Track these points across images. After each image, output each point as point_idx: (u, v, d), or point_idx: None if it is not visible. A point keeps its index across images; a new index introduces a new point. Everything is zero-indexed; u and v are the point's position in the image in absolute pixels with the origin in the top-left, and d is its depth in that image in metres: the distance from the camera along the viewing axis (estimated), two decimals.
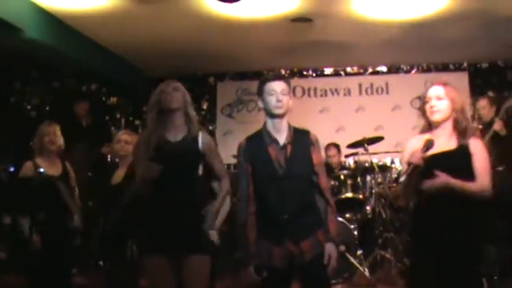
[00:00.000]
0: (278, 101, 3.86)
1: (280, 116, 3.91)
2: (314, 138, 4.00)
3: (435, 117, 3.88)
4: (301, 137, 3.97)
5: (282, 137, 3.91)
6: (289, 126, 3.98)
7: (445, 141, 3.87)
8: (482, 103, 7.29)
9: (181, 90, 4.08)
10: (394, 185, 7.99)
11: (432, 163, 3.77)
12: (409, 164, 3.78)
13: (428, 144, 3.75)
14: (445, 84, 3.96)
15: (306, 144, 3.96)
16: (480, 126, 7.04)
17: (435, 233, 3.78)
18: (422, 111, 3.99)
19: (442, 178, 3.71)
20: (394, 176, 9.01)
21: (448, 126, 3.89)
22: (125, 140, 5.45)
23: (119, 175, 5.25)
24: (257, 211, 3.89)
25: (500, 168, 6.65)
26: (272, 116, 3.92)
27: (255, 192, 3.91)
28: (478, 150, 3.85)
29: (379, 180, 7.62)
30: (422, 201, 3.88)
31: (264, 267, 3.78)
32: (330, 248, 3.84)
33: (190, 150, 4.00)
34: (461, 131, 3.85)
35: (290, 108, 3.95)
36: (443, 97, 3.88)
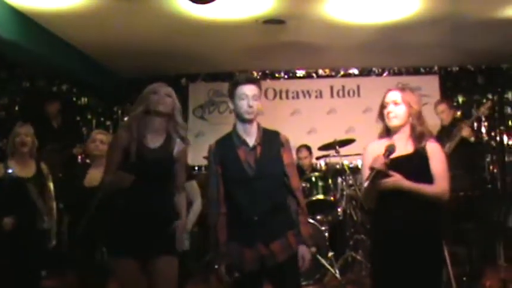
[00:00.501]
0: (249, 106, 3.85)
1: (251, 121, 3.91)
2: (284, 139, 4.00)
3: (393, 123, 3.91)
4: (271, 138, 3.96)
5: (252, 139, 3.91)
6: (259, 127, 3.97)
7: (402, 145, 3.88)
8: (442, 107, 7.43)
9: (173, 97, 4.04)
10: None
11: (390, 167, 3.79)
12: (371, 169, 3.78)
13: (390, 149, 3.76)
14: (402, 89, 3.97)
15: (276, 145, 3.95)
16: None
17: (393, 235, 3.80)
18: (380, 116, 4.01)
19: (395, 178, 3.74)
20: None
21: (406, 130, 3.92)
22: (100, 140, 5.41)
23: (93, 176, 5.19)
24: (228, 212, 3.89)
25: (460, 172, 6.74)
26: (242, 120, 3.91)
27: (226, 194, 3.90)
28: (435, 153, 3.89)
29: (350, 182, 7.66)
30: (381, 203, 3.90)
31: (235, 268, 3.78)
32: (302, 250, 3.85)
33: (165, 157, 3.97)
34: (417, 135, 3.87)
35: (260, 110, 3.94)
36: (400, 102, 3.89)
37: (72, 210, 5.48)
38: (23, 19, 6.96)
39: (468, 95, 9.62)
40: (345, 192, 7.65)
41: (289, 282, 3.88)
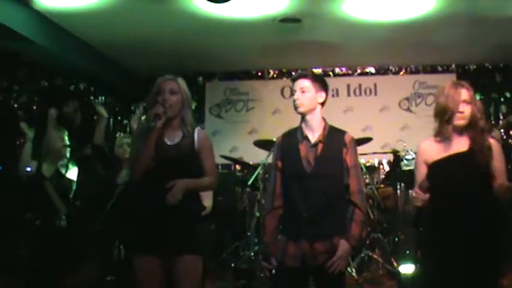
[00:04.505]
0: (295, 100, 3.91)
1: (304, 115, 3.94)
2: (349, 139, 3.98)
3: (462, 122, 3.85)
4: (335, 137, 3.96)
5: (315, 135, 3.93)
6: (325, 124, 3.99)
7: (463, 143, 3.85)
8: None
9: (180, 92, 3.96)
10: (382, 185, 8.01)
11: (453, 163, 3.80)
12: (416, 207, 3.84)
13: (425, 187, 3.71)
14: (468, 87, 3.88)
15: (339, 145, 3.93)
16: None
17: (452, 234, 3.76)
18: (443, 118, 3.88)
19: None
20: (382, 177, 9.05)
21: (465, 127, 3.86)
22: (127, 143, 5.54)
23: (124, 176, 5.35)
24: (282, 206, 3.95)
25: None
26: (299, 115, 3.97)
27: (283, 188, 3.95)
28: (499, 151, 3.86)
29: (367, 181, 7.63)
30: (437, 202, 3.84)
31: (272, 258, 3.86)
32: (341, 245, 3.79)
33: (185, 153, 3.94)
34: (479, 131, 3.83)
35: (317, 104, 3.96)
36: (470, 101, 3.83)
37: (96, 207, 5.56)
38: (41, 18, 7.01)
39: (486, 93, 9.54)
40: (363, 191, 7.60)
41: (331, 285, 3.88)
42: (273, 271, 3.91)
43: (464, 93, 3.84)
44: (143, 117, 5.79)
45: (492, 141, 3.87)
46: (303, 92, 3.90)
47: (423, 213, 4.00)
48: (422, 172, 3.95)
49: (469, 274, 3.69)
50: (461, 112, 3.82)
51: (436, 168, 3.89)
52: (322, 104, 4.01)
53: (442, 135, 3.90)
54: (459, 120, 3.83)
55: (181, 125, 4.00)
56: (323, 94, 3.98)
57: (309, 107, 3.92)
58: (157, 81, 4.01)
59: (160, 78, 4.02)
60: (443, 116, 3.87)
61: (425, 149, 3.97)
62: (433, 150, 3.91)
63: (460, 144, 3.85)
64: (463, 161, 3.80)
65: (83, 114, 8.59)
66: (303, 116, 3.95)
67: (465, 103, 3.82)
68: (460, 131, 3.87)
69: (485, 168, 3.76)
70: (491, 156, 3.78)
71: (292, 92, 3.96)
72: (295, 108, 3.93)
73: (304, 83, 3.92)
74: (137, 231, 3.94)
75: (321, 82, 4.00)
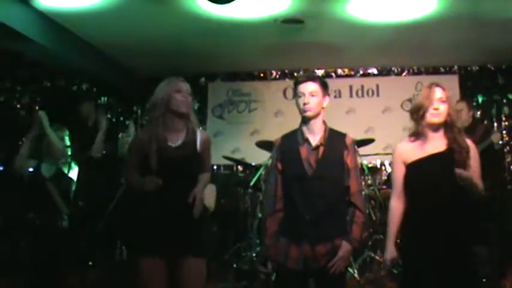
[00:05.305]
0: (305, 103, 3.88)
1: (310, 119, 3.92)
2: (349, 141, 3.98)
3: (436, 120, 3.88)
4: (336, 140, 3.96)
5: (316, 138, 3.92)
6: (325, 127, 3.98)
7: (439, 143, 3.88)
8: (460, 105, 7.17)
9: (190, 94, 4.06)
10: (384, 187, 8.00)
11: (432, 163, 3.83)
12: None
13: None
14: (444, 88, 3.95)
15: (340, 147, 3.94)
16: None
17: (431, 234, 3.78)
18: (416, 114, 3.94)
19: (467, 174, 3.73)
20: (384, 178, 9.04)
21: (442, 127, 3.90)
22: (128, 143, 5.54)
23: None
24: (283, 208, 3.94)
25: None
26: (303, 118, 3.95)
27: (284, 190, 3.94)
28: (475, 151, 3.91)
29: (369, 182, 7.63)
30: (416, 203, 3.89)
31: (270, 262, 3.87)
32: (343, 246, 3.81)
33: (189, 155, 3.98)
34: (456, 132, 3.87)
35: (321, 108, 3.95)
36: (445, 100, 3.88)
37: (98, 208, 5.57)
38: (43, 18, 7.02)
39: (488, 94, 9.53)
40: (363, 192, 7.60)
41: (332, 286, 3.88)
42: (274, 274, 3.92)
43: (439, 92, 3.90)
44: (144, 120, 5.79)
45: (469, 142, 3.92)
46: (312, 96, 3.89)
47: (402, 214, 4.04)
48: (400, 174, 4.00)
49: (448, 274, 3.71)
50: (436, 109, 3.86)
51: (415, 168, 3.92)
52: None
53: (417, 134, 3.95)
54: (434, 118, 3.87)
55: (185, 127, 4.03)
56: (327, 99, 3.99)
57: (317, 111, 3.92)
58: (173, 80, 4.07)
59: (174, 78, 4.08)
60: (418, 112, 3.92)
61: (402, 150, 4.00)
62: (411, 151, 3.94)
63: (437, 144, 3.89)
64: (441, 161, 3.83)
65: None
66: (307, 119, 3.93)
67: (440, 101, 3.87)
68: (436, 130, 3.90)
69: (463, 168, 3.78)
70: (468, 156, 3.82)
71: (299, 95, 3.91)
72: (303, 111, 3.90)
73: (314, 87, 3.90)
74: (141, 233, 3.95)
75: (326, 86, 4.00)
